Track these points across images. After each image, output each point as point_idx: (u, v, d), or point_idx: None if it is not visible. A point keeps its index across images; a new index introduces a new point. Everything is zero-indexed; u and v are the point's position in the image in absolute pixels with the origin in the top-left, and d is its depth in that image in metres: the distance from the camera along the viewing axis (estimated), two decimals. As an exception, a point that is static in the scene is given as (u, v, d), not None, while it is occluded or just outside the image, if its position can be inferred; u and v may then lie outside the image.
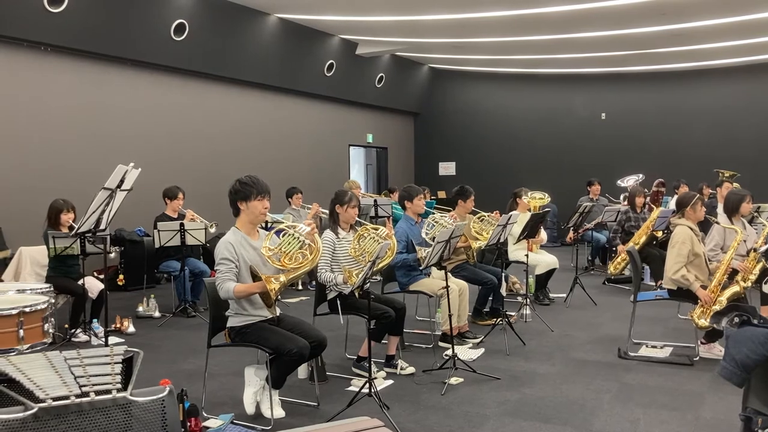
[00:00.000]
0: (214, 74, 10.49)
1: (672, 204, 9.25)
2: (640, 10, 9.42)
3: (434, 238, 4.87)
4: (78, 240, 5.56)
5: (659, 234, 7.84)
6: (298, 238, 3.86)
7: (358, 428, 2.34)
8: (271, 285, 3.62)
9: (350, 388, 4.53)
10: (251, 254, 3.88)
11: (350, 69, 13.02)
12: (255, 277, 3.71)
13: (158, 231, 6.88)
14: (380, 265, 4.40)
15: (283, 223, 4.10)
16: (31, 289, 4.53)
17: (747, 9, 9.38)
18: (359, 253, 4.59)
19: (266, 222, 6.11)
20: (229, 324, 3.96)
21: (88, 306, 5.99)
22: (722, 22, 9.99)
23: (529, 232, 6.40)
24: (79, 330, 5.95)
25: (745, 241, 5.54)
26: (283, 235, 3.89)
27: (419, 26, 11.00)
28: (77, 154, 8.67)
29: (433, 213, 5.91)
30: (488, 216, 6.37)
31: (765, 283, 5.14)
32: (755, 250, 5.21)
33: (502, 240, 5.95)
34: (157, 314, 7.01)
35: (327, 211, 5.29)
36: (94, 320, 6.03)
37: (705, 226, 5.64)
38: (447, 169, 16.02)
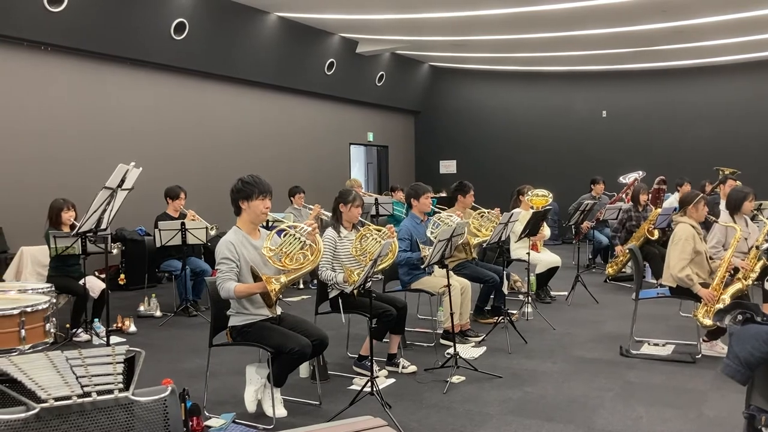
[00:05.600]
0: (215, 73, 10.48)
1: (673, 200, 9.23)
2: (642, 7, 9.40)
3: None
4: (79, 240, 5.56)
5: (655, 235, 7.82)
6: (300, 238, 3.85)
7: (360, 427, 2.33)
8: (271, 285, 3.61)
9: (352, 387, 4.52)
10: (252, 254, 3.87)
11: (351, 67, 13.01)
12: (255, 277, 3.71)
13: (159, 230, 6.88)
14: (381, 266, 4.40)
15: (284, 222, 4.09)
16: (32, 289, 4.52)
17: (748, 6, 9.36)
18: (360, 253, 4.59)
19: (267, 221, 6.10)
20: (230, 323, 3.95)
21: (89, 306, 5.99)
22: (724, 19, 9.97)
23: (531, 230, 6.39)
24: (80, 330, 5.95)
25: (746, 238, 5.53)
26: (284, 235, 3.88)
27: (420, 24, 10.99)
28: (78, 154, 8.66)
29: (439, 212, 5.89)
30: (488, 212, 6.35)
31: (767, 281, 5.13)
32: (757, 247, 5.20)
33: (503, 238, 5.94)
34: (158, 314, 7.01)
35: (329, 213, 5.27)
36: (96, 320, 6.03)
37: (707, 223, 5.62)
38: (448, 167, 16.00)
